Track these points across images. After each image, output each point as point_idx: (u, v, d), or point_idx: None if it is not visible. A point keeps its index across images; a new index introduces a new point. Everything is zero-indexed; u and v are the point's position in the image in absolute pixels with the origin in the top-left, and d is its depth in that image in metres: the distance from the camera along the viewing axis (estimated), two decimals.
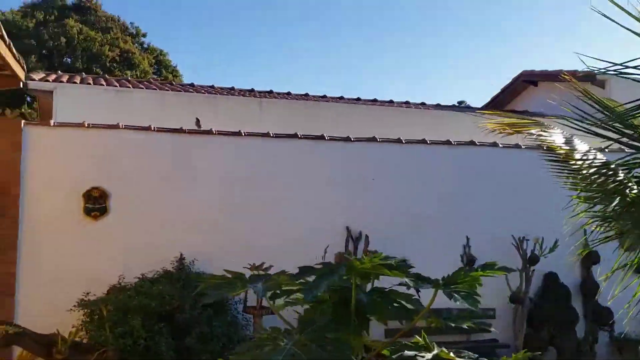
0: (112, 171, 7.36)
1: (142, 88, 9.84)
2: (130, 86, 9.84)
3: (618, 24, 3.74)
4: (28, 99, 18.53)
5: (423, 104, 12.76)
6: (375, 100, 12.47)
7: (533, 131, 4.49)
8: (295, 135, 8.04)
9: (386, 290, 2.54)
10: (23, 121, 7.15)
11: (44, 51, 23.56)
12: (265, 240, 7.61)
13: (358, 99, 12.38)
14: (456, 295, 2.23)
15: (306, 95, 11.97)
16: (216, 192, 7.66)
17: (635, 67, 4.04)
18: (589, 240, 4.90)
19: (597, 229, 4.67)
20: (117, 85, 9.67)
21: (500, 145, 8.51)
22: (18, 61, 6.80)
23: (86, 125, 7.36)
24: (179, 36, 37.92)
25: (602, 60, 4.17)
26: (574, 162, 4.30)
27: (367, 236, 7.87)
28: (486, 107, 14.38)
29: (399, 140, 8.44)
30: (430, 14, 40.70)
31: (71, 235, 7.16)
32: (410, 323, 2.41)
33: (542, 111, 10.70)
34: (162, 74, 26.50)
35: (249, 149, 7.88)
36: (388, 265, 2.28)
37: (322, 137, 8.13)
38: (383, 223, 8.12)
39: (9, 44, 6.33)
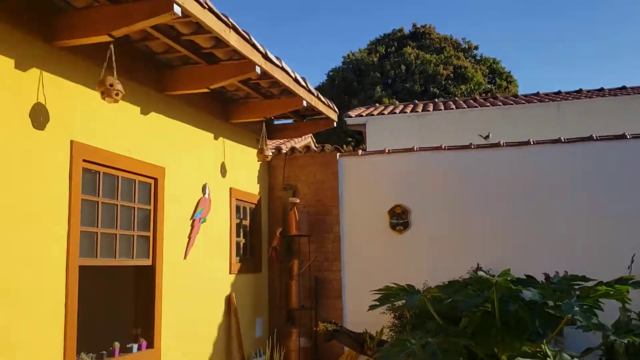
0: (411, 189, 8.26)
1: (441, 110, 10.55)
2: (431, 109, 10.66)
3: None
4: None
5: None
6: None
7: None
8: (588, 138, 7.70)
9: (540, 303, 2.73)
10: (338, 154, 8.61)
11: (388, 80, 26.37)
12: (557, 249, 7.53)
13: None
14: (577, 309, 2.34)
15: (623, 88, 10.97)
16: (509, 203, 7.86)
17: None
18: None
19: None
20: (419, 110, 10.60)
21: None
22: (328, 106, 8.27)
23: (386, 151, 8.45)
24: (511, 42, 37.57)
25: None
26: None
27: None
28: None
29: None
30: None
31: (381, 247, 8.29)
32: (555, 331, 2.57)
33: None
34: (496, 82, 26.84)
35: (537, 156, 7.86)
36: (513, 281, 2.52)
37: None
38: None
39: (317, 95, 7.81)
